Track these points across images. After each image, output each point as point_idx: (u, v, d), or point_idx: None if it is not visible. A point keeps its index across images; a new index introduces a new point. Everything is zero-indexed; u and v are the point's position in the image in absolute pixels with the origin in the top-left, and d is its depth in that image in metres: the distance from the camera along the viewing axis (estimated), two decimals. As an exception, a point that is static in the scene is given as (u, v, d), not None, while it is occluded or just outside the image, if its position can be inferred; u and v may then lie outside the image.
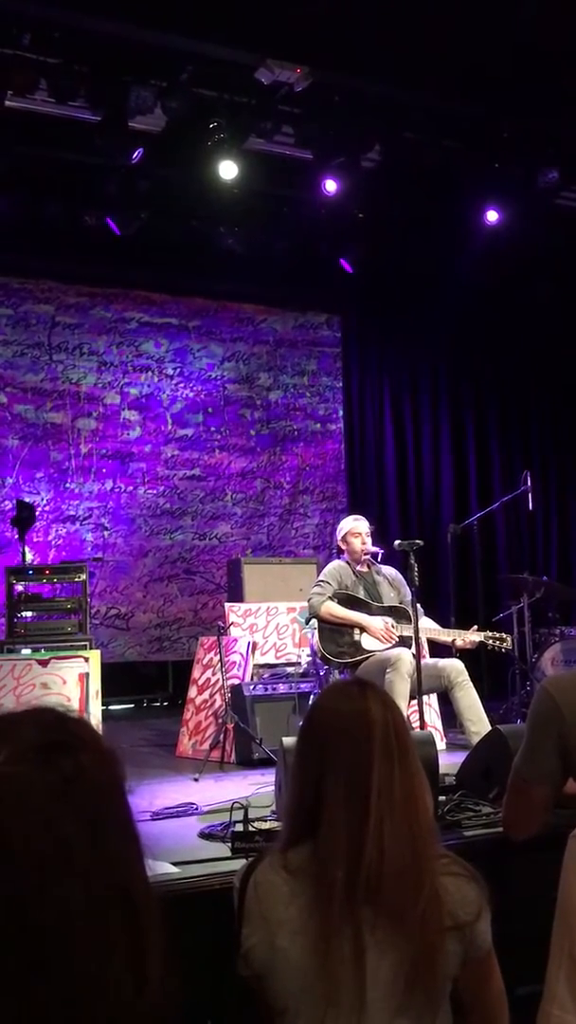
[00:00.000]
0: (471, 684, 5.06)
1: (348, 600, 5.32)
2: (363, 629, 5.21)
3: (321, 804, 1.63)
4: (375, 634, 5.18)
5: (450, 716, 5.21)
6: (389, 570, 5.53)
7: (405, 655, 4.92)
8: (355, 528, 5.51)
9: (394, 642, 5.17)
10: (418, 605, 4.84)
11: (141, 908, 0.89)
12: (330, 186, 6.93)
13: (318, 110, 6.45)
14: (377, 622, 5.22)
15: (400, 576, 5.38)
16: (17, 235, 7.43)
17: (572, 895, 2.00)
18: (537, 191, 7.14)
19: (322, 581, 5.43)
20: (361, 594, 5.37)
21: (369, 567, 5.50)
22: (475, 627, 5.35)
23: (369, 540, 5.47)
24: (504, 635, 5.31)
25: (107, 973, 0.84)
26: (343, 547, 5.57)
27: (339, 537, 5.62)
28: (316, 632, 5.36)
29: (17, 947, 0.81)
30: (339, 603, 5.29)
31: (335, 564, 5.57)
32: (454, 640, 5.24)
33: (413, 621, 4.80)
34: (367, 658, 5.14)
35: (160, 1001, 0.87)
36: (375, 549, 5.51)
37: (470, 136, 6.88)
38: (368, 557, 5.50)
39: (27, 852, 0.84)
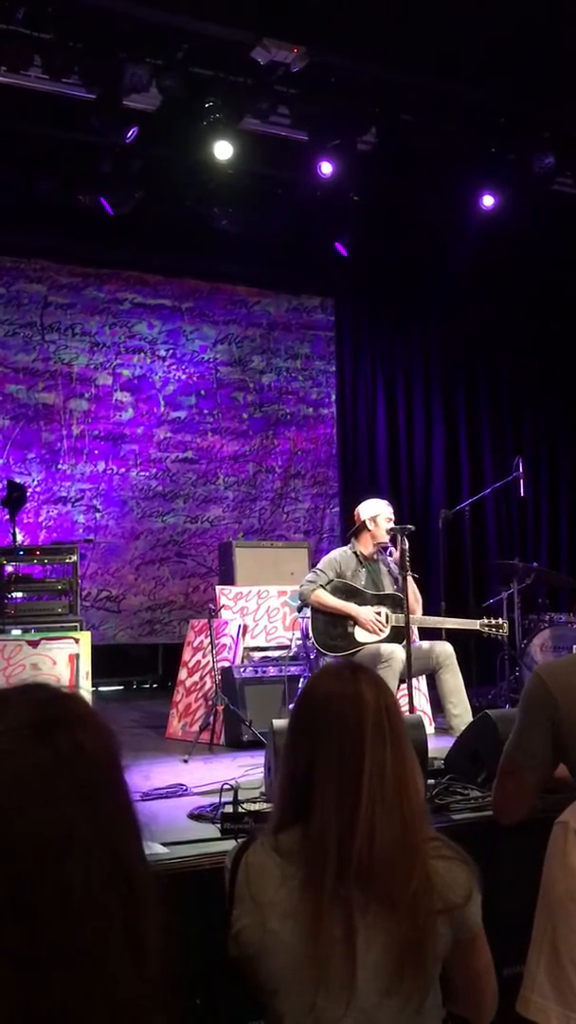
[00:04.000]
0: (458, 668, 5.08)
1: (343, 589, 5.30)
2: (352, 618, 5.20)
3: (313, 786, 1.63)
4: (364, 624, 5.17)
5: (438, 701, 5.23)
6: (394, 565, 5.49)
7: (399, 652, 4.90)
8: (387, 513, 5.40)
9: (385, 634, 5.16)
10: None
11: (138, 884, 0.89)
12: (326, 168, 6.87)
13: (314, 91, 6.39)
14: (367, 612, 5.20)
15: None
16: (9, 213, 7.37)
17: (555, 883, 2.01)
18: (533, 176, 7.10)
19: (318, 570, 5.39)
20: (361, 582, 5.32)
21: (377, 556, 5.48)
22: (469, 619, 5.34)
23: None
24: (501, 621, 5.30)
25: (106, 950, 0.84)
26: (370, 527, 5.38)
27: (365, 517, 5.41)
28: (310, 622, 5.35)
29: (17, 925, 0.81)
30: (333, 592, 5.27)
31: (338, 553, 5.49)
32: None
33: (405, 607, 4.80)
34: (359, 650, 5.14)
35: (158, 977, 0.87)
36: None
37: (467, 120, 6.83)
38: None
39: (26, 831, 0.83)
